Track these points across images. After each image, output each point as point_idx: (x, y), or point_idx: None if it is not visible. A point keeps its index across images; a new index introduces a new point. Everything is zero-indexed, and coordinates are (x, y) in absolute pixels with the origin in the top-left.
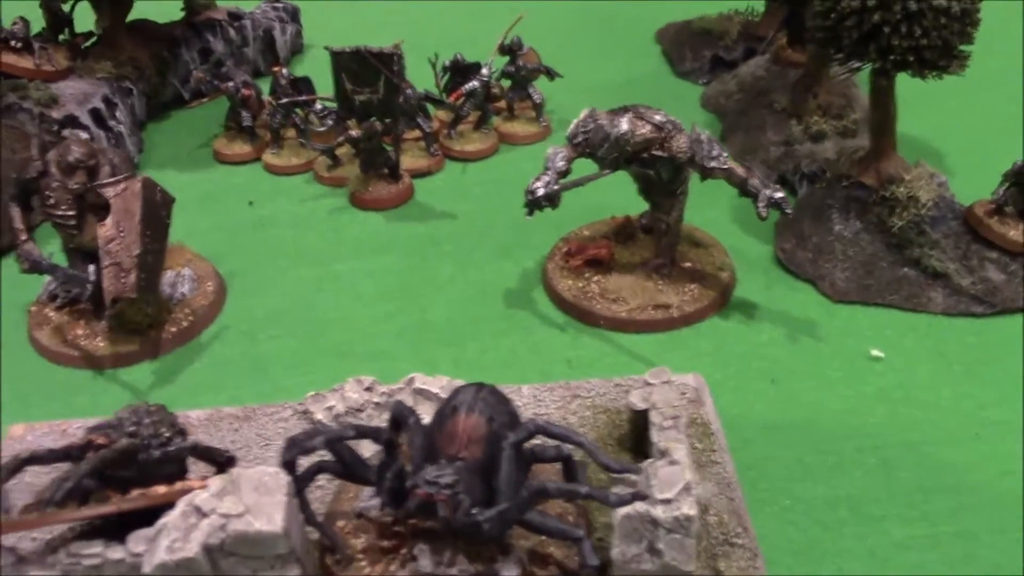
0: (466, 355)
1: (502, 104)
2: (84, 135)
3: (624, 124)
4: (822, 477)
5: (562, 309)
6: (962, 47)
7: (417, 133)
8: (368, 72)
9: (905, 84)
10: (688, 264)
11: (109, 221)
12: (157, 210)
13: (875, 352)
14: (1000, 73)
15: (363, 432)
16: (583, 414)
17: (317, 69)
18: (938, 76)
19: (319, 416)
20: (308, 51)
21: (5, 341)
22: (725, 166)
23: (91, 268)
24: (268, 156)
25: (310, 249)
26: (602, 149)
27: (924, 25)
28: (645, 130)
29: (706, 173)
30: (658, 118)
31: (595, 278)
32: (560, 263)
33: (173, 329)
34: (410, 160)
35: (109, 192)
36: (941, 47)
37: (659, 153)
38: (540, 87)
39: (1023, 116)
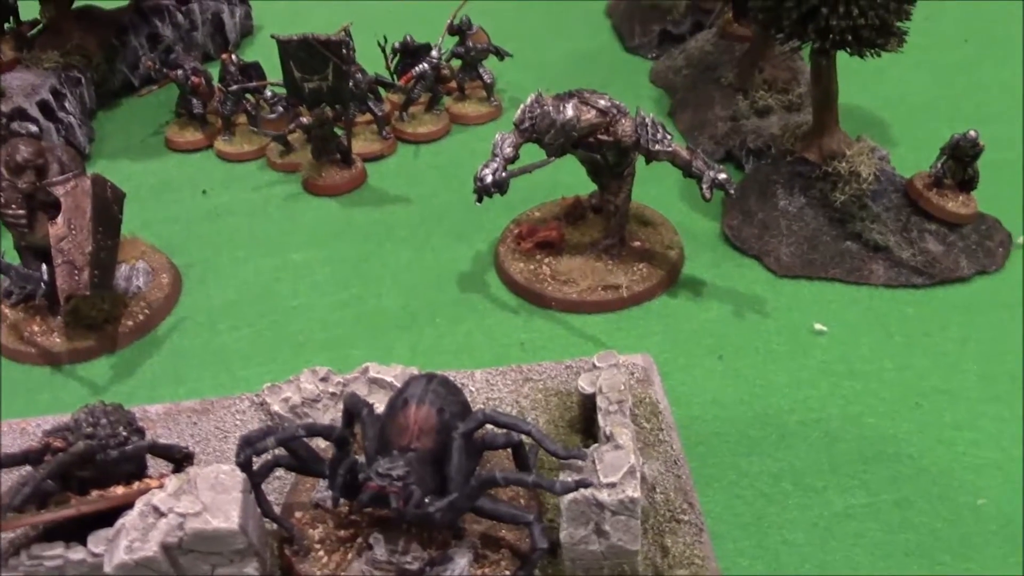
0: (422, 341)
1: (453, 85)
2: (33, 128)
3: (569, 110)
4: (767, 451)
5: (515, 292)
6: (899, 24)
7: (369, 117)
8: (316, 59)
9: (847, 56)
10: (637, 243)
11: (60, 220)
12: (108, 206)
13: (818, 326)
14: (941, 44)
15: (313, 431)
16: (535, 397)
17: (267, 52)
18: (876, 54)
19: (276, 407)
20: (258, 33)
21: None
22: (669, 149)
23: (44, 267)
24: (220, 143)
25: (265, 237)
26: (548, 135)
27: (861, 4)
28: (590, 115)
29: (651, 156)
30: (603, 103)
31: (546, 260)
32: (511, 246)
33: (129, 323)
34: (362, 144)
35: (59, 190)
36: (878, 26)
37: (604, 138)
38: (490, 66)
39: (962, 88)
